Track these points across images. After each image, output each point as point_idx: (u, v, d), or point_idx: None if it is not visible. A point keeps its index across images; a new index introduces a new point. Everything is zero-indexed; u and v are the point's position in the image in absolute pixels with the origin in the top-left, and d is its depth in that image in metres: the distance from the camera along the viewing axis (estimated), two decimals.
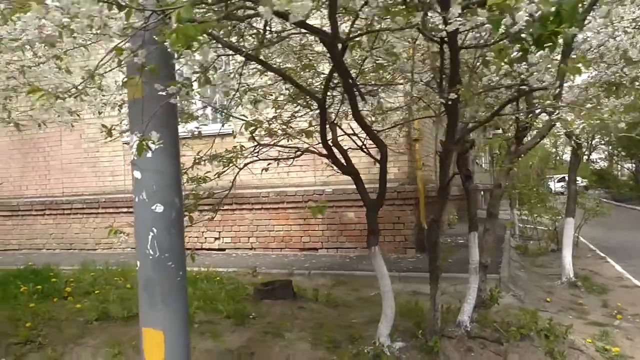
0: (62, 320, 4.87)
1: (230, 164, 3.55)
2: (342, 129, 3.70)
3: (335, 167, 3.61)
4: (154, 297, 2.70)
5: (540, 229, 11.85)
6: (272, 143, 3.58)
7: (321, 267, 7.59)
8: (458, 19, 2.09)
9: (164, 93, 2.35)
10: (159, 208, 2.69)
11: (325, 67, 3.91)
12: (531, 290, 6.94)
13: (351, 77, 2.88)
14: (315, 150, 3.57)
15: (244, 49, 2.96)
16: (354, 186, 8.31)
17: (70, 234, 10.44)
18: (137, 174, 2.71)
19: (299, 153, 3.61)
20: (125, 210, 9.90)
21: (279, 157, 3.71)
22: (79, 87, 2.35)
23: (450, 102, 2.82)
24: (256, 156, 3.53)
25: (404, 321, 4.43)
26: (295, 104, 4.02)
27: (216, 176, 3.53)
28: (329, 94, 3.91)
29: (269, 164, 3.62)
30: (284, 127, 3.57)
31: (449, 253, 4.31)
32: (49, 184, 10.72)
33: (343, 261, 8.06)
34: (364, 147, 3.72)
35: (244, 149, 3.91)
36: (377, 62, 2.90)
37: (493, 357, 4.10)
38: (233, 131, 7.80)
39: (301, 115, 4.14)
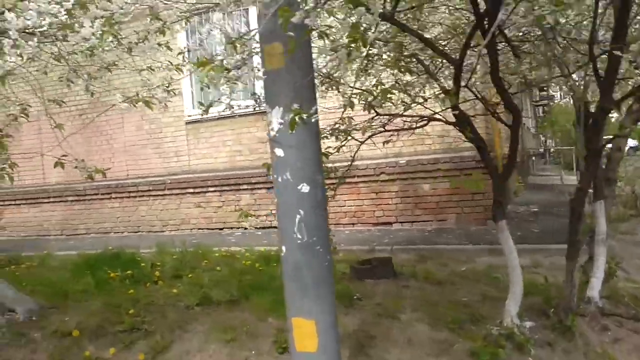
0: (161, 305, 4.79)
1: (348, 137, 3.31)
2: (475, 94, 3.38)
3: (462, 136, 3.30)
4: (304, 285, 2.50)
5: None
6: (393, 113, 3.30)
7: (401, 242, 7.36)
8: None
9: (325, 61, 2.10)
10: (305, 188, 2.48)
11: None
12: (631, 259, 6.54)
13: (503, 32, 2.57)
14: (442, 118, 3.28)
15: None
16: (429, 157, 8.08)
17: (137, 216, 10.48)
18: (279, 152, 2.49)
19: (422, 122, 3.32)
20: (191, 191, 9.86)
21: (404, 128, 3.44)
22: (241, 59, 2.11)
23: (619, 54, 2.49)
24: (383, 127, 3.27)
25: (524, 298, 4.16)
26: (401, 70, 3.71)
27: (336, 151, 3.30)
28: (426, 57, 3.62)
29: (391, 136, 3.36)
30: (408, 94, 3.29)
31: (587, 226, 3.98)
32: (114, 167, 10.71)
33: (422, 235, 7.80)
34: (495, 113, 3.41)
35: (352, 120, 3.68)
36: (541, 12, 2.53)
37: (630, 335, 3.81)
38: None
39: (406, 83, 3.85)
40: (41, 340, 4.47)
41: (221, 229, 9.66)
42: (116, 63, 4.55)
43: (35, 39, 2.35)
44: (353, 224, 8.65)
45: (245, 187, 9.37)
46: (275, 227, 9.25)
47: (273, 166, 2.56)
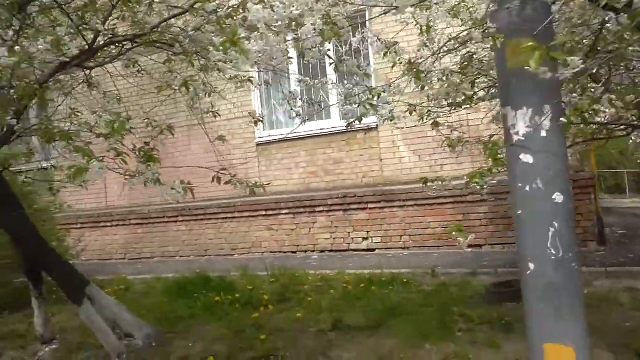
0: (289, 330, 4.52)
1: None
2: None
3: None
4: (560, 307, 2.22)
5: None
6: (595, 122, 3.04)
7: (502, 264, 6.98)
8: None
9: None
10: (559, 197, 2.21)
11: None
12: None
13: None
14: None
15: None
16: None
17: (204, 239, 10.27)
18: (527, 158, 2.24)
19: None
20: (263, 213, 9.64)
21: (608, 136, 3.18)
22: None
23: None
24: (592, 136, 3.01)
25: None
26: None
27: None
28: None
29: (587, 146, 3.11)
30: None
31: None
32: None
33: (516, 257, 7.43)
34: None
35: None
36: None
37: None
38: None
39: None
40: None
41: (294, 252, 9.40)
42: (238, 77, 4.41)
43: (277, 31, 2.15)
44: (439, 246, 8.31)
45: (321, 209, 9.12)
46: (352, 250, 8.84)
47: (515, 174, 2.30)
